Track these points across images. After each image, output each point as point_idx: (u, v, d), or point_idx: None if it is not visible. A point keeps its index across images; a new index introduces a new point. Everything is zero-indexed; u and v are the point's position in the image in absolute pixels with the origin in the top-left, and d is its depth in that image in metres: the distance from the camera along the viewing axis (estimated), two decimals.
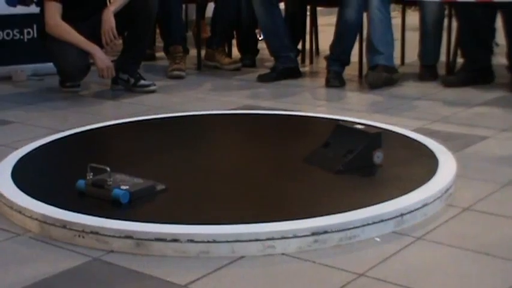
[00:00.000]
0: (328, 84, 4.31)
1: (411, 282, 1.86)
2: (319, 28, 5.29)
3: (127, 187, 2.28)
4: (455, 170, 2.55)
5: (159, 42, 5.13)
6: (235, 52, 5.10)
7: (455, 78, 4.27)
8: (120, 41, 4.20)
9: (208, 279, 1.90)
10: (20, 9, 4.40)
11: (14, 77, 4.51)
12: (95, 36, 3.91)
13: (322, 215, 2.13)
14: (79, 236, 2.10)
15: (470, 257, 2.01)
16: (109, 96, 4.14)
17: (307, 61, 5.11)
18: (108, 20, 3.92)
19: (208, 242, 2.02)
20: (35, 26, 4.49)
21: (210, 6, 5.26)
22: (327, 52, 4.46)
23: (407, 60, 4.91)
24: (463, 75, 4.24)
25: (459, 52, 4.42)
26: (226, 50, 5.05)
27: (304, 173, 2.59)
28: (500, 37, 4.26)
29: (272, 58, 4.66)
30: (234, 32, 5.05)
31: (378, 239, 2.12)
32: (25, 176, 2.56)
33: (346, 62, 4.41)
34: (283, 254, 2.03)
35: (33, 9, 4.28)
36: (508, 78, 4.20)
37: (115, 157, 2.89)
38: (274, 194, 2.42)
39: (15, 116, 3.64)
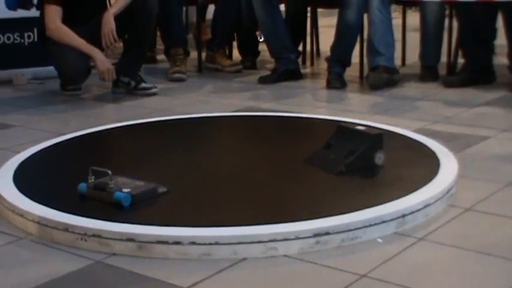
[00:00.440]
0: (329, 85, 4.31)
1: (413, 283, 1.86)
2: (320, 29, 5.29)
3: (129, 190, 2.28)
4: (456, 171, 2.55)
5: (160, 45, 5.14)
6: (236, 54, 5.11)
7: (456, 79, 4.27)
8: (121, 44, 4.20)
9: (210, 282, 1.90)
10: (20, 13, 4.40)
11: (15, 81, 4.51)
12: (95, 39, 3.91)
13: (324, 217, 2.13)
14: (81, 239, 2.10)
15: (472, 258, 2.01)
16: (110, 99, 4.14)
17: (308, 63, 5.11)
18: (109, 22, 3.92)
19: (210, 244, 2.02)
20: (35, 30, 4.49)
21: (211, 8, 5.26)
22: (328, 53, 4.46)
23: (408, 61, 4.91)
24: (464, 76, 4.24)
25: (460, 52, 4.42)
26: (227, 52, 5.05)
27: (306, 175, 2.59)
28: (501, 37, 4.26)
29: (273, 60, 4.67)
30: (235, 34, 5.06)
31: (379, 240, 2.12)
32: (26, 179, 2.57)
33: (347, 63, 4.41)
34: (285, 255, 2.03)
35: (34, 12, 4.28)
36: (509, 78, 4.20)
37: (116, 160, 2.89)
38: (276, 195, 2.42)
39: (16, 120, 3.64)
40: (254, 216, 2.19)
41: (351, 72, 4.48)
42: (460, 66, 4.41)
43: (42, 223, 2.18)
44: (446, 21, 4.47)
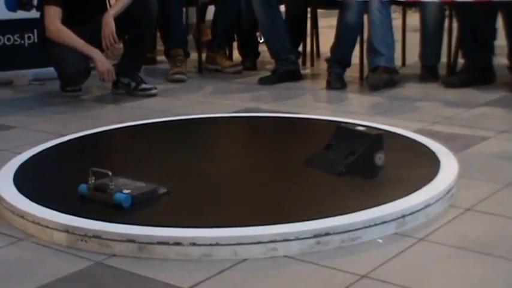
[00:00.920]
0: (329, 86, 4.31)
1: (413, 283, 1.86)
2: (320, 30, 5.29)
3: (129, 191, 2.29)
4: (456, 171, 2.55)
5: (160, 46, 5.14)
6: (236, 55, 5.11)
7: (456, 79, 4.27)
8: (121, 45, 4.20)
9: (210, 282, 1.90)
10: (20, 14, 4.40)
11: (15, 82, 4.52)
12: (95, 40, 3.91)
13: (324, 217, 2.13)
14: (81, 240, 2.10)
15: (472, 258, 2.01)
16: (110, 100, 4.14)
17: (308, 63, 5.11)
18: (109, 23, 3.92)
19: (210, 245, 2.02)
20: (35, 31, 4.50)
21: (211, 9, 5.27)
22: (328, 54, 4.47)
23: (408, 61, 4.92)
24: (464, 76, 4.24)
25: (460, 53, 4.42)
26: (227, 53, 5.05)
27: (306, 175, 2.60)
28: (501, 37, 4.26)
29: (273, 61, 4.67)
30: (235, 35, 5.06)
31: (380, 241, 2.12)
32: (27, 180, 2.57)
33: (347, 63, 4.41)
34: (285, 256, 2.03)
35: (34, 14, 4.28)
36: (509, 78, 4.20)
37: (117, 161, 2.89)
38: (276, 196, 2.43)
39: (16, 121, 3.64)
40: (254, 217, 2.19)
41: (351, 72, 4.48)
42: (460, 66, 4.41)
43: (43, 224, 2.18)
44: (446, 21, 4.47)
